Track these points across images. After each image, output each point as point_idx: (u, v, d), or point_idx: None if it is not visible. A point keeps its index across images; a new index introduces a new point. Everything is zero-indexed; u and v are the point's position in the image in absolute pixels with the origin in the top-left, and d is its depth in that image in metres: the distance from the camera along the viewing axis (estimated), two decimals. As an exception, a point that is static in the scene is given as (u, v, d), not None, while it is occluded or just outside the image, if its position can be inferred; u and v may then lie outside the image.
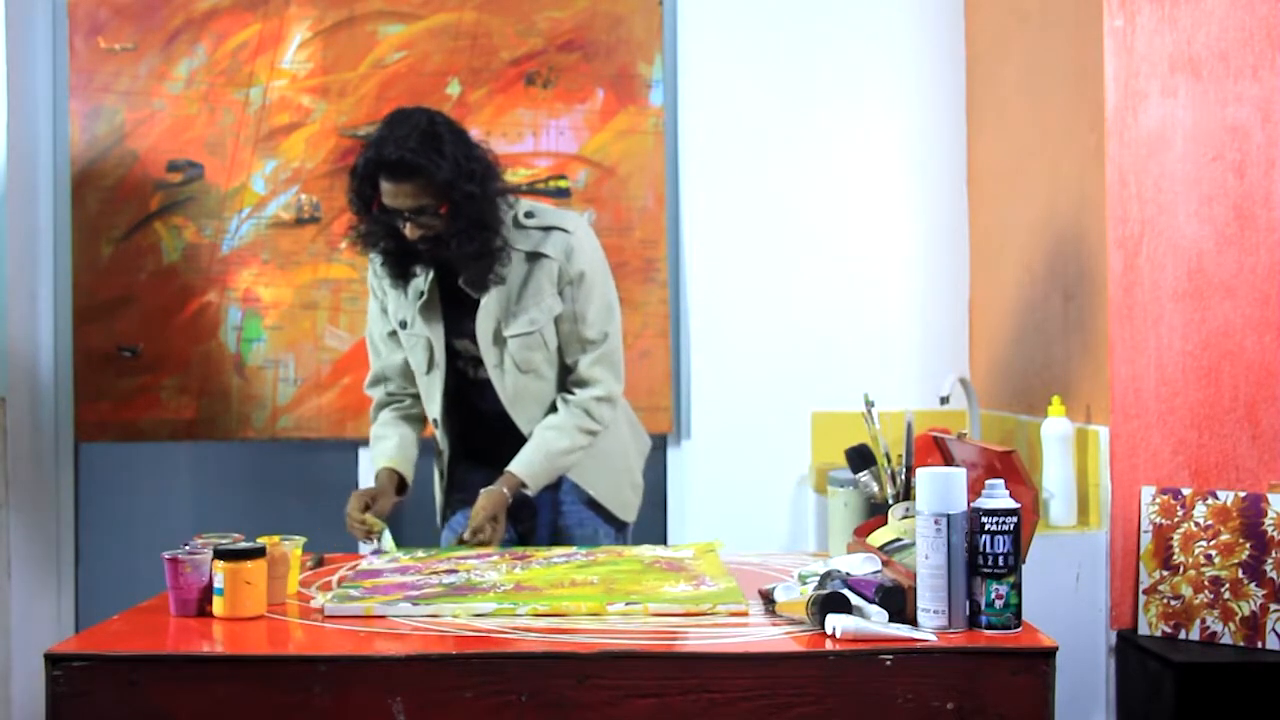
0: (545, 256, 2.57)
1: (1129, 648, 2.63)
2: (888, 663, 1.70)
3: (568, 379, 2.65)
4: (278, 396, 3.64)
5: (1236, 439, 2.67)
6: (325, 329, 3.65)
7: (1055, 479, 2.78)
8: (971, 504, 1.79)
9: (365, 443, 3.66)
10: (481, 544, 2.48)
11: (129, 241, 3.65)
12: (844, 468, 2.34)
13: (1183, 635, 2.58)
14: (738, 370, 3.70)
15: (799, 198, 3.72)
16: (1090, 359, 2.81)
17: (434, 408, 2.65)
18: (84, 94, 3.64)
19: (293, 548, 2.07)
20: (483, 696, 1.70)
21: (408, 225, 2.45)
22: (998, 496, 1.78)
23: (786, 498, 3.69)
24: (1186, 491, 2.61)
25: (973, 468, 1.99)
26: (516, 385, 2.60)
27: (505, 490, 2.55)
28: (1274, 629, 2.48)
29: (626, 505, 2.74)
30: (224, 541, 2.00)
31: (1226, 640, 2.53)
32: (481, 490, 2.55)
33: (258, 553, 1.94)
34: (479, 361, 2.61)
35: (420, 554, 2.39)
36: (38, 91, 3.64)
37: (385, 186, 2.43)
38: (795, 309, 3.71)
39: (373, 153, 2.42)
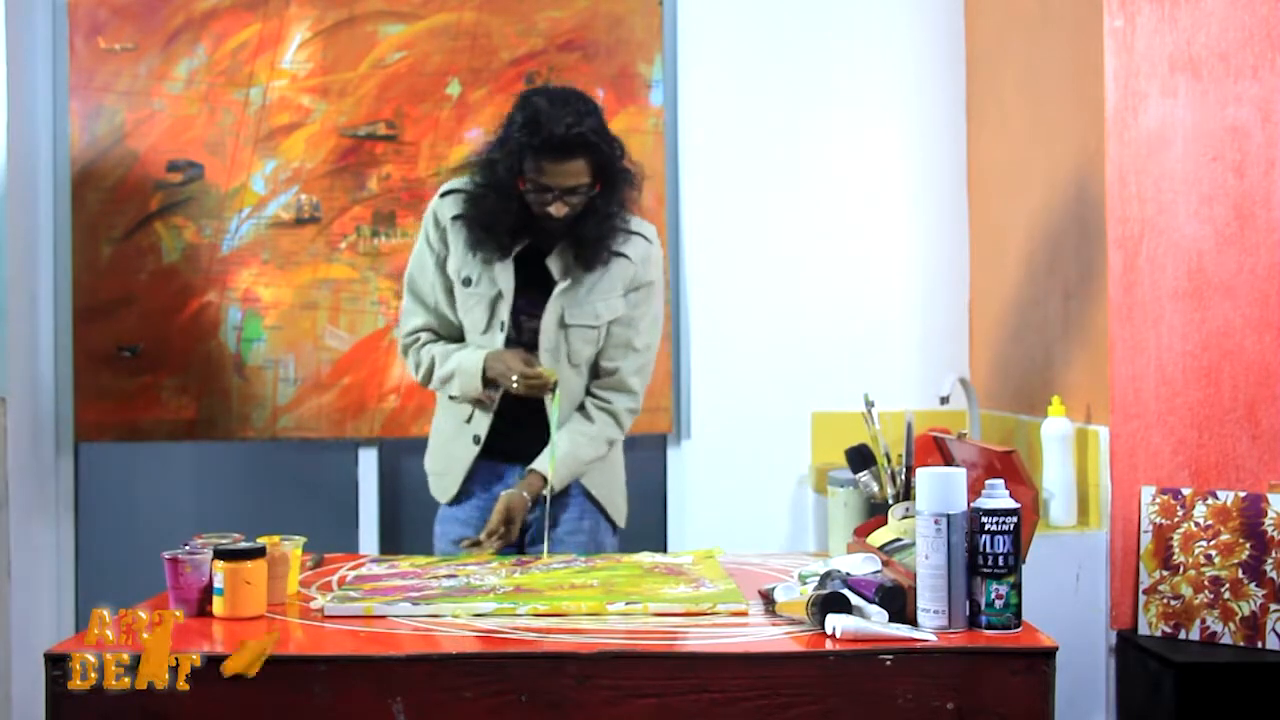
0: (624, 257, 2.57)
1: (1129, 648, 2.63)
2: (888, 663, 1.70)
3: (599, 381, 2.63)
4: (278, 396, 3.63)
5: (1236, 439, 2.67)
6: (325, 329, 3.65)
7: (1055, 479, 2.78)
8: (971, 504, 1.79)
9: (365, 442, 3.68)
10: (495, 546, 2.47)
11: (129, 241, 3.64)
12: (844, 468, 2.34)
13: (1183, 635, 2.58)
14: (738, 370, 3.70)
15: (799, 198, 3.72)
16: (1090, 359, 2.81)
17: None
18: (84, 94, 3.64)
19: (293, 548, 2.07)
20: (483, 696, 1.70)
21: (555, 203, 2.44)
22: (998, 496, 1.78)
23: (786, 498, 3.69)
24: (1186, 491, 2.61)
25: (973, 468, 1.99)
26: (562, 376, 2.57)
27: (526, 495, 2.53)
28: (1274, 629, 2.48)
29: (619, 509, 2.74)
30: (224, 541, 2.00)
31: (1226, 640, 2.53)
32: (502, 493, 2.53)
33: (258, 553, 1.94)
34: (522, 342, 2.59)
35: (421, 560, 2.39)
36: (38, 91, 3.64)
37: (546, 165, 2.41)
38: (795, 309, 3.71)
39: (537, 128, 2.40)
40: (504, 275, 2.55)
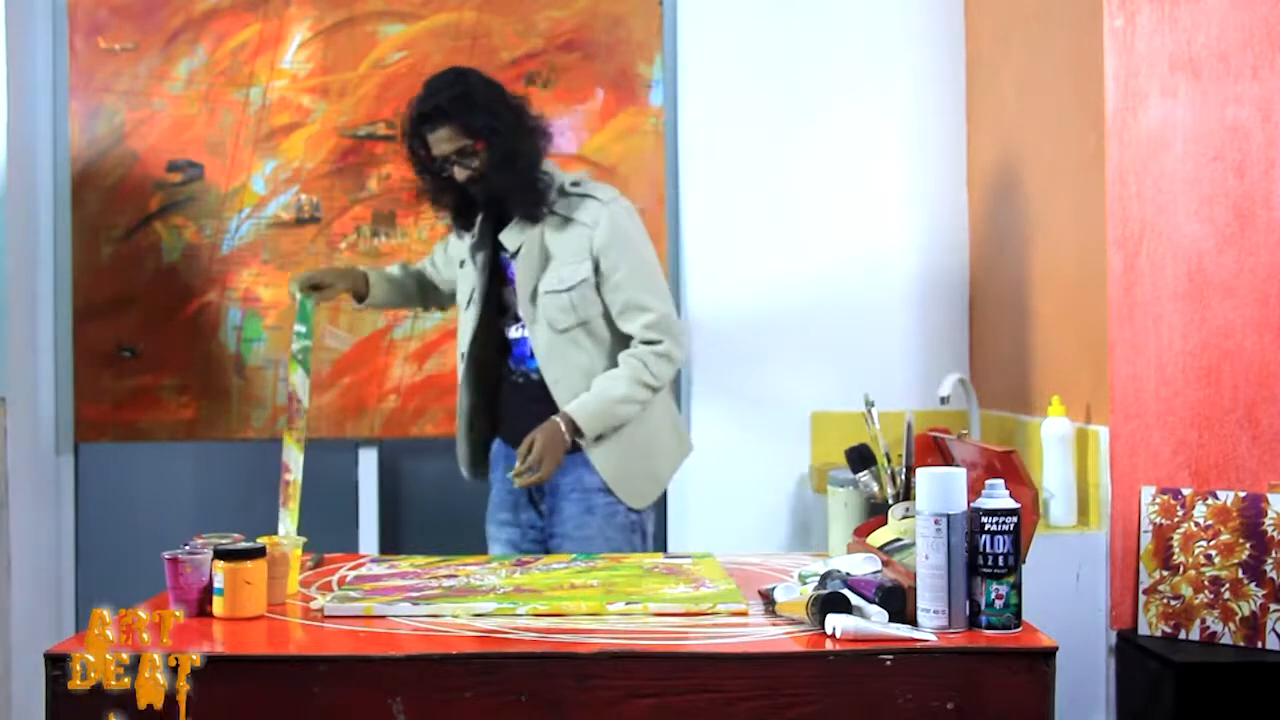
0: (577, 222, 2.74)
1: (1129, 648, 2.63)
2: (888, 663, 1.70)
3: (628, 349, 2.77)
4: (278, 396, 3.63)
5: (1236, 439, 2.67)
6: (325, 329, 3.65)
7: (1055, 479, 2.78)
8: (971, 504, 1.79)
9: (365, 442, 3.68)
10: (531, 481, 2.67)
11: (129, 241, 3.64)
12: (844, 468, 2.34)
13: (1183, 635, 2.58)
14: (737, 370, 3.70)
15: (798, 197, 3.72)
16: (1090, 359, 2.81)
17: (464, 341, 2.85)
18: (84, 94, 3.64)
19: (293, 548, 2.07)
20: (483, 696, 1.70)
21: (455, 168, 2.70)
22: (998, 496, 1.78)
23: (786, 498, 3.68)
24: (1186, 491, 2.61)
25: (973, 468, 1.99)
26: (550, 344, 2.73)
27: (562, 426, 2.68)
28: (1274, 629, 2.48)
29: (638, 494, 2.79)
30: (224, 541, 2.00)
31: (1226, 640, 2.53)
32: (536, 430, 2.69)
33: (258, 553, 1.94)
34: (519, 318, 2.79)
35: (421, 560, 2.39)
36: (38, 91, 3.64)
37: (429, 138, 2.70)
38: (795, 309, 3.71)
39: (411, 110, 2.73)
40: (479, 255, 2.82)
